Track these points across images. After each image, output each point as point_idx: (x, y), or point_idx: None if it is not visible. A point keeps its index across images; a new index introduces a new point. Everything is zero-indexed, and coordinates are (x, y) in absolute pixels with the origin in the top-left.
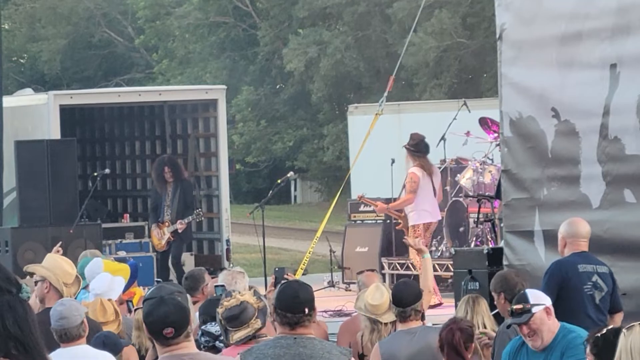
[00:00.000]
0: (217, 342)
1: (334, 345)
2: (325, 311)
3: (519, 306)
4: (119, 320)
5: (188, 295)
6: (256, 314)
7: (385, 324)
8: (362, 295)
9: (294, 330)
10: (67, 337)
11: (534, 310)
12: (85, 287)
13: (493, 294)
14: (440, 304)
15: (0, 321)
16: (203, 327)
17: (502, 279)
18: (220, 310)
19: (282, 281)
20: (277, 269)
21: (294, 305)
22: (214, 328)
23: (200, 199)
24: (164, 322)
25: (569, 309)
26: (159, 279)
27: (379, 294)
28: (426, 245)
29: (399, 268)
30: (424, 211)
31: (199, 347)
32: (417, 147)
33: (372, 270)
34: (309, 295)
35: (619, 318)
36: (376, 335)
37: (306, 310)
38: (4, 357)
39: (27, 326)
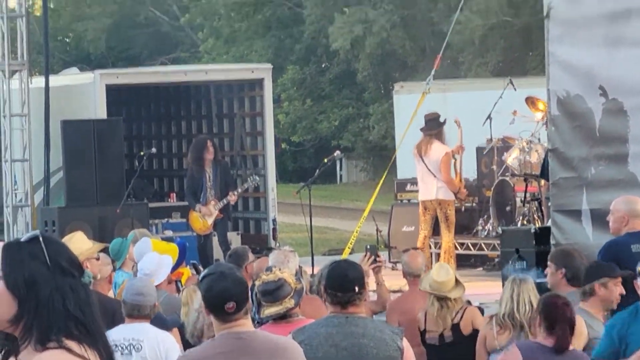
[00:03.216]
0: None
1: (386, 324)
2: (372, 290)
3: None
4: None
5: None
6: (292, 294)
7: (454, 299)
8: (427, 275)
9: (345, 310)
10: (140, 313)
11: None
12: (121, 267)
13: (551, 265)
14: None
15: (61, 302)
16: None
17: (568, 256)
18: (257, 282)
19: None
20: (368, 246)
21: (344, 284)
22: None
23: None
24: (225, 297)
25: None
26: (194, 261)
27: (444, 271)
28: (445, 224)
29: None
30: (418, 189)
31: None
32: (426, 126)
33: (416, 249)
34: (358, 274)
35: None
36: (446, 311)
37: (356, 288)
38: (65, 337)
39: (89, 309)
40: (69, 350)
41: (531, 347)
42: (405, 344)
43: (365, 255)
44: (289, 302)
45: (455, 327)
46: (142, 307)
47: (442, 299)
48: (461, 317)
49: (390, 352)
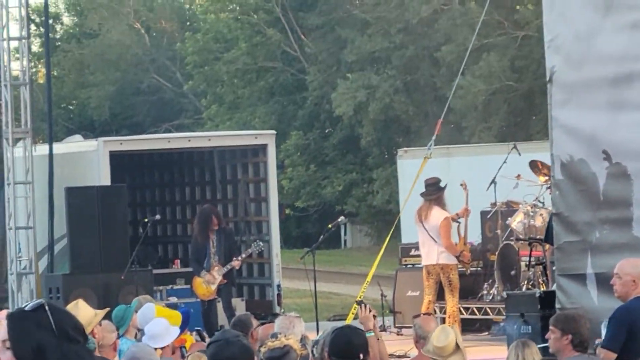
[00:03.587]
0: None
1: None
2: None
3: None
4: None
5: None
6: None
7: None
8: (430, 339)
9: None
10: None
11: None
12: (124, 335)
13: (555, 330)
14: None
15: None
16: None
17: (575, 321)
18: (263, 349)
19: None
20: (358, 300)
21: (349, 351)
22: None
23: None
24: None
25: (636, 351)
26: (198, 328)
27: (443, 335)
28: (448, 289)
29: None
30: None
31: None
32: (426, 191)
33: (429, 314)
34: (362, 340)
35: None
36: None
37: (361, 355)
38: None
39: None
40: None
41: None
42: None
43: (361, 308)
44: None
45: None
46: None
47: None
48: None
49: None
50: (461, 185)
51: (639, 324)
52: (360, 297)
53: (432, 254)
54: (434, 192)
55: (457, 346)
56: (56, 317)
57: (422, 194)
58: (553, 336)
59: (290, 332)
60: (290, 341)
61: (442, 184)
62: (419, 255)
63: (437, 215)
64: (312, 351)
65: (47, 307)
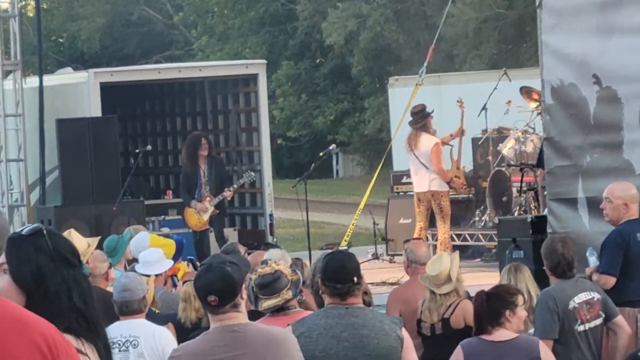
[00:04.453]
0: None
1: (385, 315)
2: (370, 283)
3: None
4: (147, 300)
5: None
6: (289, 285)
7: (442, 295)
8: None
9: (344, 301)
10: (128, 309)
11: None
12: (116, 265)
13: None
14: None
15: (67, 294)
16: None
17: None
18: (253, 276)
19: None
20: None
21: (342, 275)
22: None
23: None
24: (207, 290)
25: (632, 275)
26: (191, 257)
27: (437, 264)
28: (440, 216)
29: None
30: (412, 182)
31: None
32: (413, 119)
33: (419, 239)
34: (355, 264)
35: None
36: (434, 306)
37: (355, 279)
38: (65, 330)
39: (91, 301)
40: None
41: (473, 343)
42: (405, 333)
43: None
44: (287, 294)
45: (446, 322)
46: (130, 302)
47: (432, 292)
48: (452, 312)
49: (391, 341)
50: (458, 101)
51: (632, 247)
52: (353, 226)
53: (423, 181)
54: (420, 119)
55: (450, 276)
56: (54, 242)
57: (410, 123)
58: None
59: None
60: (280, 267)
61: (428, 110)
62: (410, 183)
63: (426, 141)
64: (313, 276)
65: (44, 232)
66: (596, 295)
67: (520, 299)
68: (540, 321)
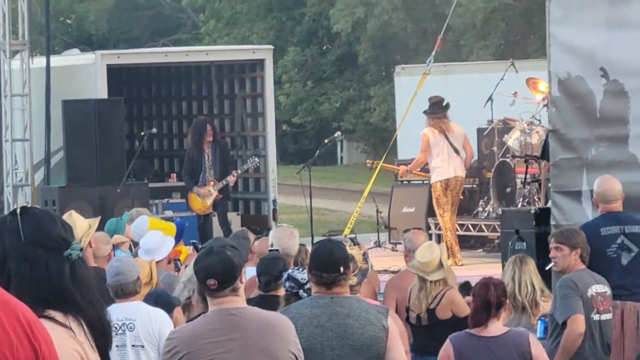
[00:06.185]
0: (301, 290)
1: (371, 304)
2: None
3: None
4: (152, 283)
5: None
6: (356, 272)
7: (433, 282)
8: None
9: (330, 290)
10: (123, 292)
11: None
12: (119, 246)
13: (562, 247)
14: None
15: (29, 273)
16: (290, 272)
17: (579, 235)
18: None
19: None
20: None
21: (329, 264)
22: (300, 275)
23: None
24: (207, 273)
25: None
26: (194, 241)
27: (429, 252)
28: (453, 204)
29: None
30: (439, 169)
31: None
32: (432, 109)
33: (419, 229)
34: (343, 254)
35: None
36: (424, 294)
37: (341, 269)
38: (46, 307)
39: (69, 281)
40: (51, 319)
41: (462, 338)
42: (391, 323)
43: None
44: (352, 280)
45: (431, 312)
46: (124, 285)
47: (422, 280)
48: (438, 302)
49: (376, 331)
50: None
51: (592, 240)
52: (356, 213)
53: (457, 167)
54: (439, 110)
55: (441, 263)
56: (26, 223)
57: (429, 112)
58: (560, 253)
59: (291, 241)
60: (353, 251)
61: (444, 104)
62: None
63: (458, 127)
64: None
65: (18, 212)
66: (609, 291)
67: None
68: (566, 300)
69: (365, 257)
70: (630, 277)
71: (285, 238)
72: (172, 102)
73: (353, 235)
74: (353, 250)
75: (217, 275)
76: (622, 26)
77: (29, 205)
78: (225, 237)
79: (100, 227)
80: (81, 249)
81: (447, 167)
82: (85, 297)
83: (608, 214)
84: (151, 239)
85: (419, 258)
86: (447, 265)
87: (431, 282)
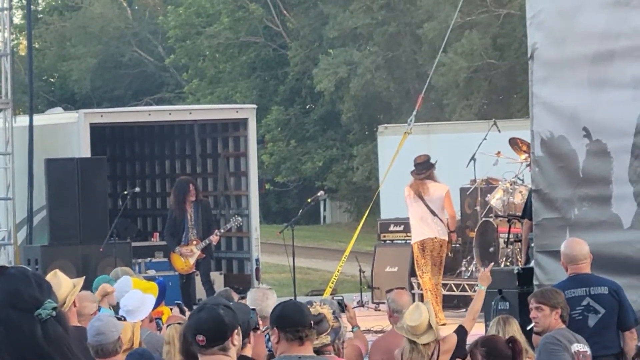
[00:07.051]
0: None
1: None
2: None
3: None
4: (133, 348)
5: None
6: (328, 331)
7: (424, 344)
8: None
9: (302, 345)
10: (104, 352)
11: None
12: (107, 296)
13: (543, 307)
14: None
15: (12, 338)
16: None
17: (559, 295)
18: None
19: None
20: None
21: (302, 319)
22: None
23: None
24: (197, 328)
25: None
26: (178, 302)
27: (417, 314)
28: (435, 265)
29: None
30: (415, 230)
31: None
32: (416, 170)
33: (402, 288)
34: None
35: (629, 336)
36: (416, 355)
37: (312, 323)
38: None
39: (37, 342)
40: None
41: None
42: None
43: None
44: (325, 339)
45: None
46: (105, 345)
47: (413, 343)
48: (437, 357)
49: None
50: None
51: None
52: (338, 272)
53: (433, 229)
54: (424, 170)
55: (430, 325)
56: (2, 284)
57: (413, 173)
58: (541, 313)
59: (265, 303)
60: (324, 310)
61: (431, 161)
62: (398, 231)
63: (438, 188)
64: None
65: None
66: (589, 350)
67: None
68: (554, 355)
69: (335, 315)
70: (597, 337)
71: (258, 300)
72: (155, 161)
73: (340, 298)
74: (324, 309)
75: (206, 331)
76: (605, 86)
77: (8, 265)
78: (208, 297)
79: (86, 287)
80: (54, 308)
81: (422, 229)
82: (64, 357)
83: (575, 276)
84: (131, 299)
85: (408, 322)
86: (436, 325)
87: (423, 344)
